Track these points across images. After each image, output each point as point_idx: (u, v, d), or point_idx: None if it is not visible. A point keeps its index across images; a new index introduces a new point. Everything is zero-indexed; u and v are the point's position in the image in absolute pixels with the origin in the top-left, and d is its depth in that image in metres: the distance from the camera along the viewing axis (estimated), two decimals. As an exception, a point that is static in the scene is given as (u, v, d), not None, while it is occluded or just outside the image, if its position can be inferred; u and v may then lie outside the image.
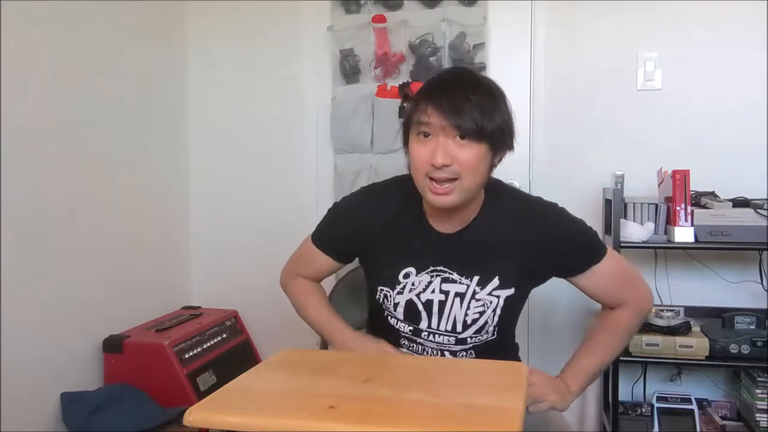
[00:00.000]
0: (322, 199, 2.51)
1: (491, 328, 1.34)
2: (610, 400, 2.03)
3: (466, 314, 1.32)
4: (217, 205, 2.63)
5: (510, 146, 1.27)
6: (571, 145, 2.31)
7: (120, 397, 1.99)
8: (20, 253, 1.82)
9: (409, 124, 1.23)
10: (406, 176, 1.31)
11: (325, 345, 1.69)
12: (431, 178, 1.19)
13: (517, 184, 2.32)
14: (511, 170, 2.33)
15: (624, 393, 2.24)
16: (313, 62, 2.48)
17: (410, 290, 1.33)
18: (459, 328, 1.33)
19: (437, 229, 1.32)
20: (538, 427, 1.25)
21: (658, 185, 2.10)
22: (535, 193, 2.31)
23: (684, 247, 2.02)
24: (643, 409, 2.12)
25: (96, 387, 2.07)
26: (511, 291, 1.31)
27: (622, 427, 2.05)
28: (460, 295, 1.31)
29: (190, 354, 2.15)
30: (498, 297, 1.31)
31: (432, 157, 1.17)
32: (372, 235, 1.36)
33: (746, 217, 1.92)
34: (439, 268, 1.32)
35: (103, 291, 2.14)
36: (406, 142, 1.26)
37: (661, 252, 2.21)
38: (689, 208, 1.96)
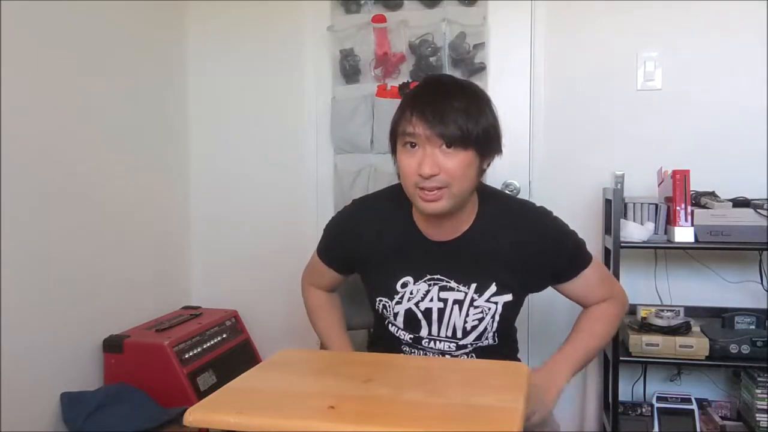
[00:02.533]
0: (322, 199, 2.51)
1: (491, 334, 1.35)
2: (610, 400, 2.03)
3: (465, 321, 1.32)
4: (217, 205, 2.63)
5: (498, 150, 1.25)
6: (571, 145, 2.31)
7: (120, 397, 1.99)
8: (20, 253, 1.82)
9: (395, 134, 1.23)
10: (397, 186, 1.32)
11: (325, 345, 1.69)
12: (420, 188, 1.19)
13: (517, 185, 2.33)
14: (511, 171, 2.34)
15: (624, 393, 2.24)
16: (313, 62, 2.48)
17: (409, 299, 1.33)
18: (459, 334, 1.33)
19: (431, 237, 1.32)
20: (538, 427, 1.25)
21: (658, 185, 2.10)
22: (535, 193, 2.33)
23: (684, 247, 2.02)
24: (643, 409, 2.12)
25: (96, 387, 2.07)
26: (509, 297, 1.32)
27: (622, 427, 2.05)
28: (459, 303, 1.32)
29: (190, 354, 2.15)
30: (496, 303, 1.31)
31: (419, 168, 1.17)
32: (367, 247, 1.36)
33: (746, 217, 1.92)
34: (436, 276, 1.32)
35: (103, 291, 2.14)
36: (394, 151, 1.26)
37: (661, 252, 2.21)
38: (689, 208, 1.96)
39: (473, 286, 1.31)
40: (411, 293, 1.33)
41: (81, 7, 2.04)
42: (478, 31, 2.31)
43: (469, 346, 1.35)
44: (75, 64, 2.02)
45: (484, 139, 1.19)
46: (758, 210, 1.92)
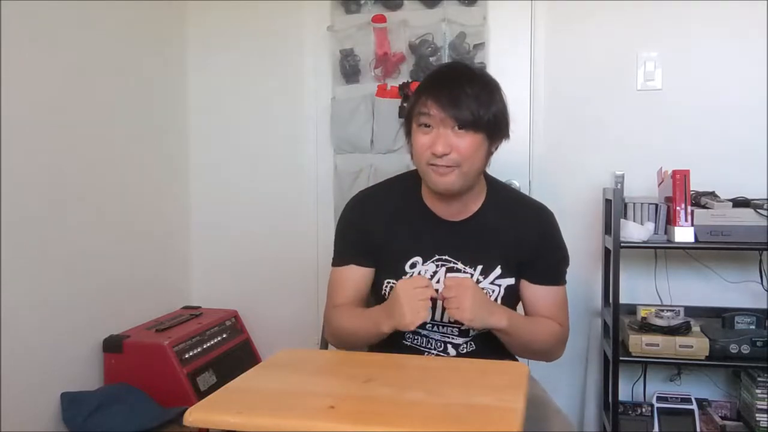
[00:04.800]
0: (322, 199, 2.51)
1: None
2: (610, 400, 2.03)
3: None
4: (217, 206, 2.63)
5: (506, 134, 1.35)
6: (571, 145, 2.31)
7: (120, 397, 1.99)
8: (20, 253, 1.82)
9: (410, 117, 1.32)
10: (400, 174, 1.43)
11: (325, 345, 1.69)
12: (432, 164, 1.27)
13: (517, 184, 2.33)
14: (511, 170, 2.33)
15: (624, 393, 2.24)
16: (313, 62, 2.48)
17: None
18: None
19: (440, 216, 1.37)
20: (538, 426, 1.25)
21: (658, 185, 2.10)
22: (535, 192, 2.33)
23: (684, 247, 2.02)
24: (643, 409, 2.12)
25: (96, 387, 2.07)
26: (512, 280, 1.36)
27: (622, 427, 2.05)
28: None
29: (190, 354, 2.15)
30: (499, 286, 1.36)
31: (432, 146, 1.25)
32: (377, 231, 1.39)
33: (746, 217, 1.92)
34: (444, 257, 1.36)
35: (103, 291, 2.14)
36: (408, 134, 1.34)
37: (661, 252, 2.21)
38: (689, 208, 1.96)
39: (479, 267, 1.35)
40: (419, 274, 1.35)
41: (80, 7, 2.04)
42: (478, 31, 2.31)
43: (470, 331, 1.36)
44: (74, 64, 2.02)
45: (494, 123, 1.28)
46: (758, 210, 1.92)
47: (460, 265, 1.35)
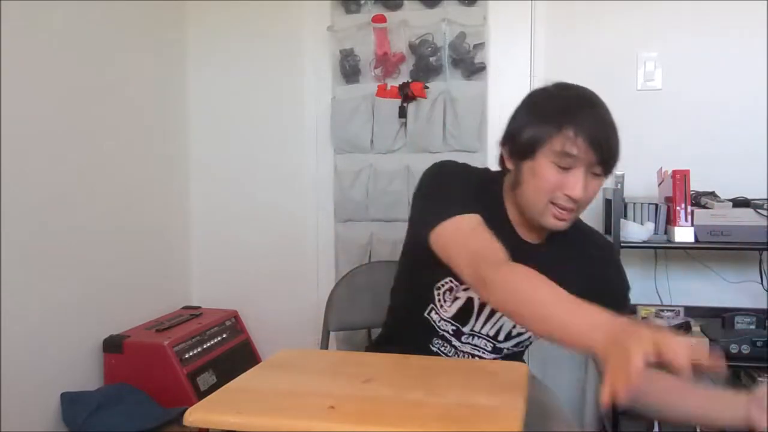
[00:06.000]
0: (322, 199, 2.51)
1: (528, 343, 1.34)
2: (610, 400, 2.03)
3: (514, 326, 1.30)
4: (217, 205, 2.63)
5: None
6: (571, 145, 2.30)
7: (120, 397, 1.99)
8: (20, 253, 1.82)
9: (538, 140, 1.16)
10: (485, 175, 1.31)
11: (325, 345, 1.69)
12: (555, 204, 1.17)
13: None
14: (511, 170, 2.34)
15: (624, 393, 2.23)
16: (313, 62, 2.48)
17: None
18: (501, 336, 1.32)
19: (522, 236, 1.29)
20: (540, 426, 1.25)
21: (658, 185, 2.10)
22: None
23: (684, 247, 2.01)
24: (643, 409, 2.12)
25: (96, 387, 2.07)
26: None
27: (622, 427, 2.05)
28: None
29: (190, 354, 2.15)
30: None
31: (569, 189, 1.15)
32: None
33: (746, 217, 1.92)
34: None
35: (103, 291, 2.14)
36: (522, 154, 1.19)
37: (661, 252, 2.21)
38: (689, 208, 1.96)
39: None
40: None
41: (80, 7, 2.04)
42: (478, 31, 2.31)
43: (504, 350, 1.33)
44: (74, 64, 2.02)
45: (612, 169, 1.20)
46: (758, 210, 1.92)
47: None
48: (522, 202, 1.23)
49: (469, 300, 1.29)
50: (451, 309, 1.31)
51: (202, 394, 2.04)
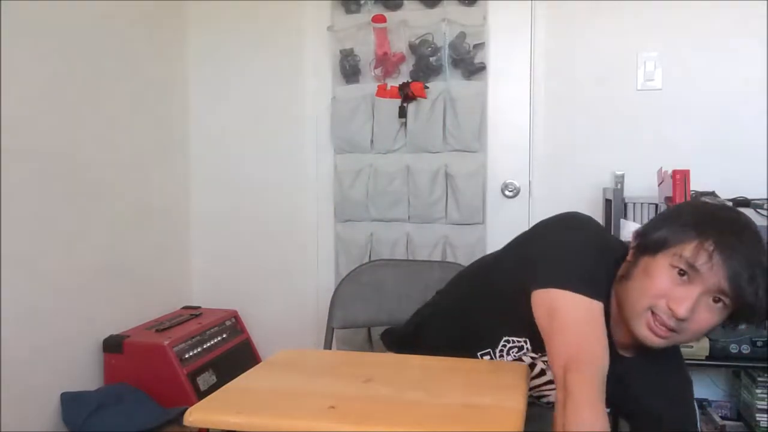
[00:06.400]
0: (322, 199, 2.51)
1: None
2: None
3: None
4: (217, 205, 2.63)
5: (734, 327, 1.07)
6: (571, 145, 2.31)
7: (120, 397, 1.99)
8: (20, 253, 1.82)
9: (668, 240, 1.02)
10: (619, 260, 1.11)
11: (329, 342, 1.69)
12: (654, 315, 1.02)
13: (517, 185, 2.33)
14: (511, 170, 2.34)
15: (624, 393, 2.23)
16: (313, 62, 2.48)
17: (544, 359, 1.18)
18: (543, 401, 1.26)
19: (616, 345, 1.14)
20: (540, 426, 1.24)
21: (658, 185, 2.10)
22: (535, 192, 2.33)
23: (684, 247, 2.01)
24: (643, 409, 2.12)
25: (96, 387, 2.07)
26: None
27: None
28: None
29: (190, 354, 2.15)
30: None
31: (675, 303, 0.99)
32: None
33: (746, 217, 1.92)
34: None
35: (103, 291, 2.14)
36: (645, 248, 1.05)
37: (661, 252, 2.21)
38: (689, 208, 1.96)
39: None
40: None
41: (80, 7, 2.04)
42: (478, 31, 2.31)
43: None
44: (75, 64, 2.02)
45: (749, 315, 1.01)
46: (758, 210, 1.92)
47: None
48: (623, 298, 1.08)
49: (532, 364, 1.20)
50: (509, 362, 1.20)
51: (202, 394, 2.04)
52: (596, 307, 1.03)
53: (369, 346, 1.66)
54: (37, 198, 1.88)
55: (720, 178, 2.10)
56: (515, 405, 0.91)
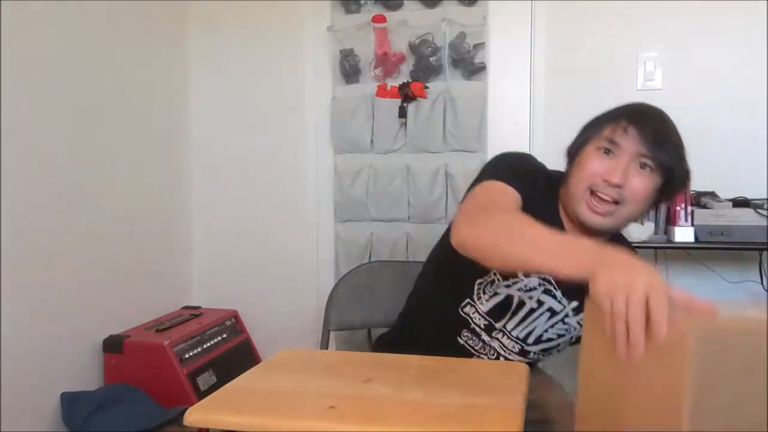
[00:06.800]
0: (322, 199, 2.51)
1: (556, 351, 1.34)
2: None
3: (545, 330, 1.30)
4: (217, 205, 2.63)
5: (670, 196, 1.25)
6: (571, 145, 2.31)
7: (120, 397, 1.99)
8: (20, 253, 1.82)
9: (589, 135, 1.22)
10: (554, 178, 1.30)
11: (325, 344, 1.69)
12: (592, 193, 1.18)
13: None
14: (511, 170, 2.33)
15: (624, 393, 2.23)
16: (313, 62, 2.48)
17: (518, 288, 1.28)
18: (530, 340, 1.32)
19: None
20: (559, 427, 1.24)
21: (658, 185, 2.10)
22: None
23: (684, 247, 2.01)
24: (643, 409, 2.12)
25: (96, 387, 2.07)
26: None
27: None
28: (552, 312, 1.29)
29: (190, 354, 2.15)
30: (581, 326, 1.28)
31: (608, 174, 1.16)
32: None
33: (746, 217, 1.92)
34: (549, 278, 1.27)
35: (103, 291, 2.14)
36: (574, 151, 1.24)
37: (661, 252, 2.21)
38: (689, 208, 1.96)
39: (574, 303, 1.29)
40: (525, 283, 1.27)
41: (81, 7, 2.04)
42: (478, 31, 2.31)
43: (530, 354, 1.32)
44: (75, 63, 2.02)
45: (676, 182, 1.19)
46: (758, 210, 1.92)
47: (558, 294, 1.27)
48: (566, 199, 1.23)
49: (509, 297, 1.29)
50: (488, 303, 1.30)
51: (202, 394, 2.04)
52: (510, 189, 1.18)
53: (368, 346, 1.66)
54: (37, 198, 1.88)
55: (720, 178, 2.09)
56: (515, 405, 0.91)
